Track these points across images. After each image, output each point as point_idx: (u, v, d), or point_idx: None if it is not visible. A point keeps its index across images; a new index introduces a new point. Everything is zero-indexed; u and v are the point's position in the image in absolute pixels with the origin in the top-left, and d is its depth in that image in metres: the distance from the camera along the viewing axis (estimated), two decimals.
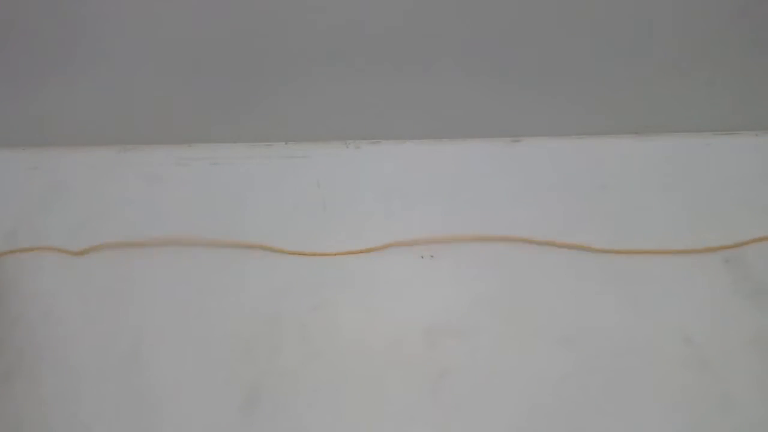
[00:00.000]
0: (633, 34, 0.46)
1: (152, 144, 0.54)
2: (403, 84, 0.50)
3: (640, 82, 0.50)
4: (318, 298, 0.43)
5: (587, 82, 0.50)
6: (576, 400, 0.38)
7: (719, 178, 0.49)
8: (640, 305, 0.42)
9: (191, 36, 0.46)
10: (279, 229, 0.46)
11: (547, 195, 0.48)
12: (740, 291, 0.43)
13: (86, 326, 0.42)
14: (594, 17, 0.44)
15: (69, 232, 0.47)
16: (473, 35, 0.46)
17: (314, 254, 0.45)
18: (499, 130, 0.54)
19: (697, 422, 0.37)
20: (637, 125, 0.54)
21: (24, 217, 0.48)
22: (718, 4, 0.44)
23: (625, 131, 0.54)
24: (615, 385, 0.39)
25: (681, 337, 0.41)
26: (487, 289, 0.43)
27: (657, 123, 0.53)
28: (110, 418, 0.38)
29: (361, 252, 0.46)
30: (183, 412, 0.38)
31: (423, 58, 0.48)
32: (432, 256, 0.45)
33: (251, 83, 0.50)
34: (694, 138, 0.53)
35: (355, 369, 0.40)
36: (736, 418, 0.37)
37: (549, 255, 0.45)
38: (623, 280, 0.43)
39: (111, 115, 0.52)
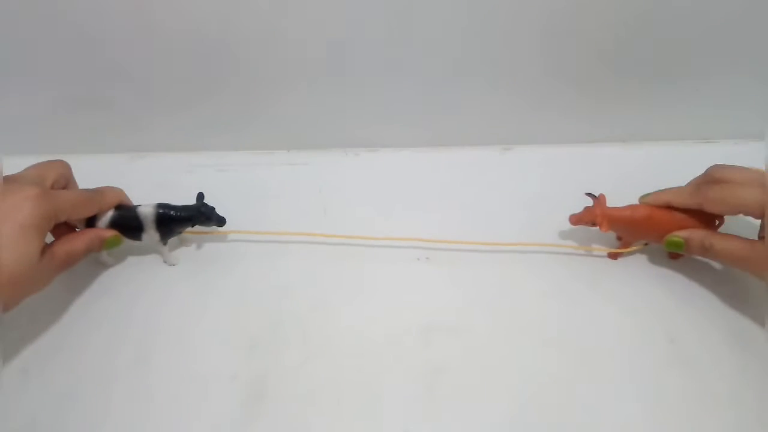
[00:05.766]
0: (619, 43, 0.47)
1: (162, 152, 0.56)
2: (401, 94, 0.51)
3: (627, 91, 0.52)
4: (318, 298, 0.44)
5: (576, 92, 0.52)
6: (561, 399, 0.38)
7: None
8: (624, 305, 0.43)
9: (197, 49, 0.47)
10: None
11: (538, 201, 0.50)
12: (721, 289, 0.43)
13: (92, 329, 0.42)
14: (581, 27, 0.46)
15: None
16: (467, 46, 0.48)
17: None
18: (491, 139, 0.55)
19: (681, 421, 0.37)
20: (624, 134, 0.56)
21: None
22: (703, 14, 0.46)
23: (612, 139, 0.56)
24: (599, 384, 0.39)
25: (664, 336, 0.41)
26: (479, 291, 0.44)
27: (642, 132, 0.55)
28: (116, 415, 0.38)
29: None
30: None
31: (420, 70, 0.49)
32: (428, 258, 0.47)
33: (254, 93, 0.51)
34: (678, 146, 0.55)
35: (354, 369, 0.40)
36: (720, 416, 0.37)
37: (538, 258, 0.46)
38: (609, 281, 0.44)
39: (124, 125, 0.54)
